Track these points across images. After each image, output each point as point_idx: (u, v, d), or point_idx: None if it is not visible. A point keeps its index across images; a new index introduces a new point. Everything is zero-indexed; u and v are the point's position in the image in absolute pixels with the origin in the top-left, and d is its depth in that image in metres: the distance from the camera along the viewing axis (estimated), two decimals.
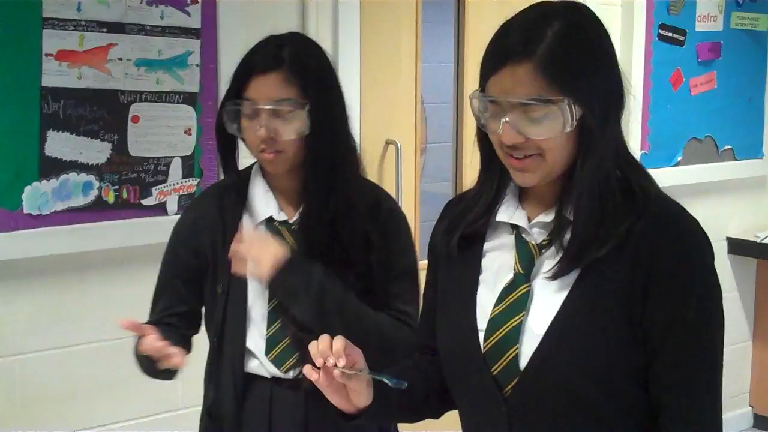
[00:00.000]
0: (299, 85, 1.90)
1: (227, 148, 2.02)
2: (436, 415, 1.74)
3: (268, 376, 1.99)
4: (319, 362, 1.51)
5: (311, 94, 1.90)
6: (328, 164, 1.94)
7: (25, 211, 2.60)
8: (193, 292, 2.05)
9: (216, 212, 2.03)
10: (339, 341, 1.52)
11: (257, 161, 2.02)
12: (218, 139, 2.01)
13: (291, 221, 1.99)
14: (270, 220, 1.99)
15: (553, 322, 1.48)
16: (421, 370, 1.71)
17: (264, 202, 2.00)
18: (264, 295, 1.97)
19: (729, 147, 4.30)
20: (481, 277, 1.60)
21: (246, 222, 2.00)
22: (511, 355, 1.50)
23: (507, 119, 1.44)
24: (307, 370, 1.53)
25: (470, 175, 1.67)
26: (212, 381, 2.05)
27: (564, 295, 1.48)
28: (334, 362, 1.50)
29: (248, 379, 2.01)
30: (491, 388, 1.53)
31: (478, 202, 1.60)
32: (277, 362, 1.97)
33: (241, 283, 1.99)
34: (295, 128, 1.90)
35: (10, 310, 2.66)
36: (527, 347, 1.49)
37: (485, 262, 1.61)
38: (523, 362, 1.49)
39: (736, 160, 4.33)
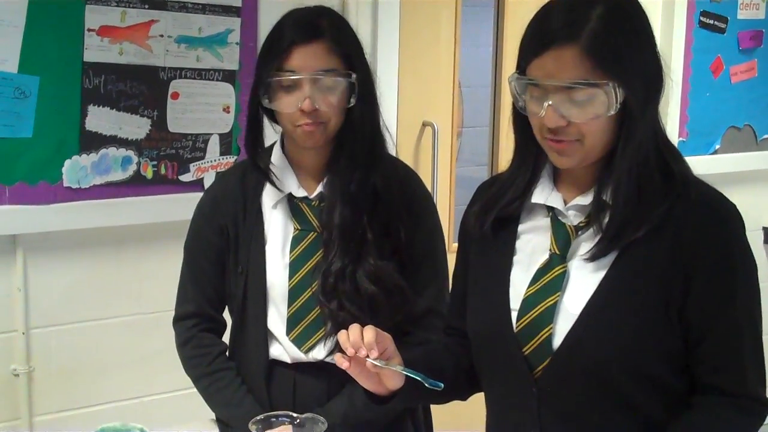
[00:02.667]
0: (341, 55, 1.87)
1: (257, 126, 1.98)
2: (464, 397, 1.75)
3: (290, 362, 1.98)
4: (350, 353, 1.51)
5: (355, 64, 1.89)
6: (369, 138, 1.94)
7: (64, 185, 2.62)
8: (220, 272, 2.04)
9: (237, 189, 2.02)
10: (370, 332, 1.52)
11: (283, 137, 2.00)
12: (251, 115, 1.97)
13: (311, 197, 1.97)
14: (290, 198, 1.98)
15: (588, 302, 1.48)
16: (451, 352, 1.72)
17: (284, 178, 1.98)
18: (284, 274, 1.97)
19: None
20: (515, 258, 1.60)
21: (266, 199, 2.00)
22: (545, 335, 1.50)
23: (550, 102, 1.44)
24: (338, 359, 1.54)
25: (506, 160, 1.67)
26: (238, 363, 2.05)
27: (601, 276, 1.48)
28: (366, 354, 1.51)
29: (270, 365, 2.00)
30: (522, 368, 1.53)
31: (513, 184, 1.61)
32: (298, 341, 1.96)
33: (261, 262, 1.98)
34: (339, 99, 1.87)
35: (47, 281, 2.69)
36: (561, 327, 1.49)
37: (519, 244, 1.61)
38: (557, 342, 1.49)
39: None
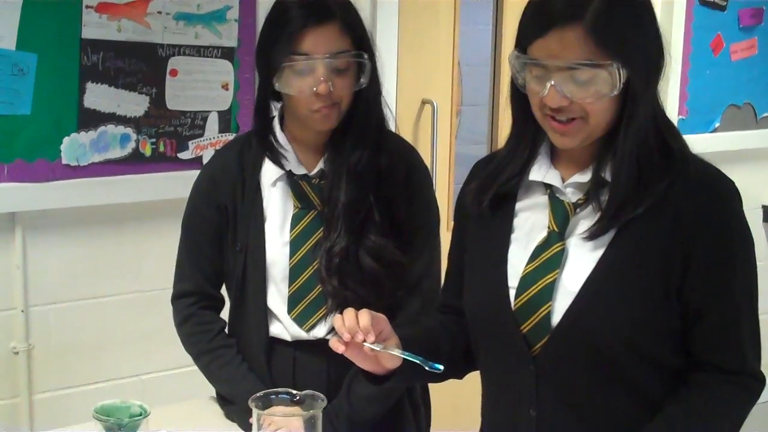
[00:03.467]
0: (352, 36, 1.86)
1: (266, 110, 1.97)
2: (460, 375, 1.75)
3: (290, 340, 1.98)
4: (346, 338, 1.51)
5: (365, 44, 1.88)
6: (378, 117, 1.93)
7: (63, 162, 2.61)
8: (218, 250, 2.03)
9: (236, 166, 2.00)
10: (365, 315, 1.52)
11: (282, 114, 1.99)
12: (260, 100, 1.96)
13: (311, 174, 1.96)
14: (289, 175, 1.97)
15: (588, 279, 1.48)
16: (447, 330, 1.72)
17: (283, 155, 1.97)
18: (284, 252, 1.96)
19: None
20: (512, 236, 1.60)
21: (264, 176, 1.99)
22: (543, 313, 1.50)
23: (553, 82, 1.44)
24: (334, 344, 1.53)
25: (505, 138, 1.67)
26: (238, 341, 2.05)
27: (600, 253, 1.48)
28: (363, 338, 1.50)
29: (270, 343, 2.00)
30: (520, 346, 1.53)
31: (511, 162, 1.60)
32: (299, 320, 1.96)
33: (260, 240, 1.97)
34: (351, 80, 1.87)
35: (46, 259, 2.68)
36: (560, 304, 1.49)
37: (517, 222, 1.61)
38: (555, 319, 1.49)
39: None
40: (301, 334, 1.97)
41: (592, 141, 1.50)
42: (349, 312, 1.53)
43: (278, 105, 2.00)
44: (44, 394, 2.73)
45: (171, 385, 2.83)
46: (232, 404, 2.02)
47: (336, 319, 1.53)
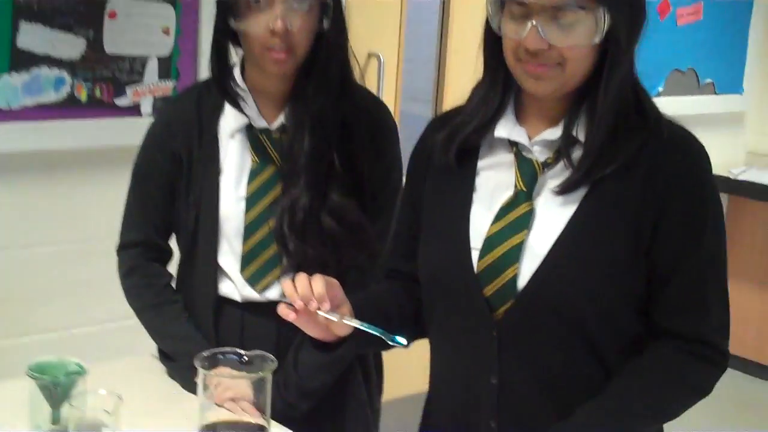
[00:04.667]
0: None
1: (223, 47, 1.85)
2: (407, 344, 1.69)
3: (240, 300, 1.90)
4: (299, 305, 1.44)
5: None
6: (340, 64, 1.85)
7: None
8: (170, 200, 1.94)
9: (193, 114, 1.91)
10: (319, 281, 1.45)
11: (243, 62, 1.90)
12: (216, 34, 1.84)
13: (272, 128, 1.88)
14: (249, 128, 1.88)
15: (556, 241, 1.43)
16: (395, 297, 1.65)
17: (243, 106, 1.87)
18: (239, 207, 1.88)
19: (710, 81, 4.26)
20: (474, 196, 1.54)
21: (223, 127, 1.90)
22: (509, 276, 1.45)
23: (534, 22, 1.37)
24: (283, 311, 1.46)
25: (451, 99, 1.60)
26: (184, 297, 1.97)
27: (569, 213, 1.43)
28: (315, 306, 1.44)
29: (218, 303, 1.92)
30: (482, 311, 1.48)
31: (479, 112, 1.53)
32: (252, 280, 1.88)
33: (214, 194, 1.89)
34: (311, 21, 1.77)
35: None
36: (527, 267, 1.44)
37: (480, 180, 1.55)
38: (521, 282, 1.44)
39: (716, 94, 4.29)
40: (253, 295, 1.89)
41: (566, 91, 1.44)
42: (302, 277, 1.46)
43: (240, 53, 1.90)
44: None
45: (107, 340, 2.73)
46: (175, 362, 1.93)
47: (286, 285, 1.46)
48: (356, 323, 1.46)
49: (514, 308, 1.45)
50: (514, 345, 1.46)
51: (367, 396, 1.99)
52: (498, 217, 1.49)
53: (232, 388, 1.68)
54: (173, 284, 2.00)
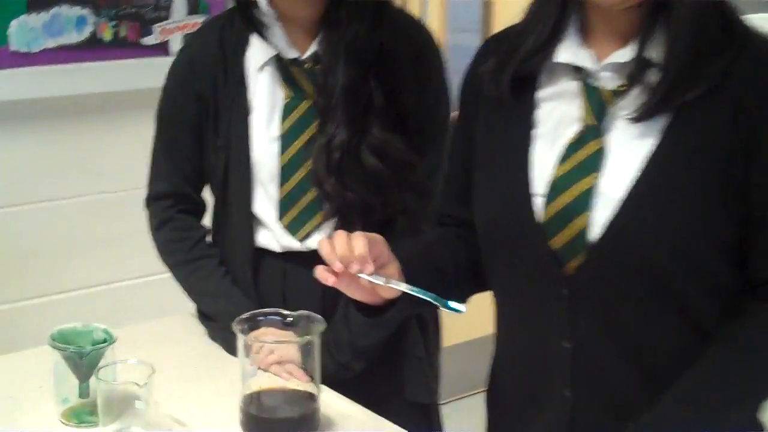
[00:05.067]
0: None
1: None
2: (464, 299, 1.52)
3: (280, 251, 1.75)
4: (338, 268, 1.28)
5: None
6: None
7: (11, 49, 2.37)
8: (198, 145, 1.80)
9: (216, 50, 1.76)
10: (360, 240, 1.29)
11: None
12: None
13: (303, 58, 1.71)
14: (278, 59, 1.72)
15: (633, 184, 1.24)
16: (449, 247, 1.48)
17: (270, 35, 1.71)
18: (273, 149, 1.72)
19: None
20: (535, 132, 1.35)
21: (249, 61, 1.74)
22: (579, 225, 1.27)
23: None
24: (321, 274, 1.30)
25: (501, 27, 1.42)
26: (221, 250, 1.83)
27: (647, 149, 1.24)
28: (357, 269, 1.28)
29: (257, 255, 1.77)
30: (550, 266, 1.30)
31: (533, 32, 1.34)
32: (291, 228, 1.73)
33: (244, 135, 1.73)
34: None
35: None
36: (599, 214, 1.26)
37: (540, 114, 1.36)
38: (594, 233, 1.26)
39: None
40: (293, 244, 1.74)
41: (633, 3, 1.24)
42: (340, 236, 1.30)
43: None
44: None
45: (144, 295, 2.62)
46: (215, 322, 1.80)
47: (323, 245, 1.30)
48: (404, 287, 1.30)
49: (587, 263, 1.27)
50: (589, 304, 1.29)
51: (425, 352, 1.84)
52: (564, 158, 1.30)
53: (276, 350, 1.55)
54: (209, 238, 1.85)
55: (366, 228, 1.71)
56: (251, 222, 1.76)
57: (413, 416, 1.82)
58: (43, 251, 2.57)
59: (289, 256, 1.74)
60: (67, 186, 2.57)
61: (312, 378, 1.49)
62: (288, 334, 1.53)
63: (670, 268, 1.23)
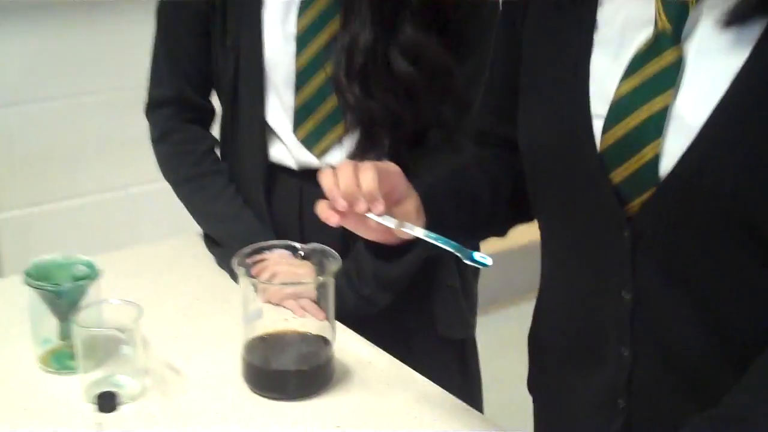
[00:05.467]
0: None
1: None
2: (503, 232, 1.29)
3: (296, 168, 1.55)
4: (341, 207, 1.06)
5: None
6: None
7: None
8: (204, 45, 1.58)
9: None
10: (369, 173, 1.06)
11: None
12: None
13: None
14: None
15: (718, 106, 0.98)
16: (486, 170, 1.25)
17: None
18: (288, 49, 1.50)
19: None
20: (596, 37, 1.09)
21: None
22: (647, 156, 1.02)
23: None
24: (323, 212, 1.08)
25: None
26: (230, 166, 1.61)
27: (737, 64, 0.98)
28: (366, 208, 1.05)
29: (270, 171, 1.57)
30: (610, 202, 1.06)
31: None
32: (308, 142, 1.52)
33: (256, 33, 1.51)
34: None
35: (5, 53, 2.29)
36: (674, 143, 1.00)
37: (603, 15, 1.10)
38: (666, 165, 1.01)
39: None
40: (311, 160, 1.53)
41: None
42: (345, 167, 1.07)
43: None
44: (9, 212, 2.39)
45: (165, 199, 2.42)
46: (223, 248, 1.60)
47: (324, 177, 1.08)
48: (420, 232, 1.07)
49: (656, 201, 1.02)
50: (655, 249, 1.04)
51: (460, 282, 1.62)
52: (631, 70, 1.04)
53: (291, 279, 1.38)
54: (217, 151, 1.64)
55: (394, 143, 1.50)
56: (264, 133, 1.55)
57: (446, 353, 1.64)
58: (56, 153, 2.42)
59: (306, 174, 1.53)
60: (82, 82, 2.42)
61: (327, 318, 1.29)
62: (302, 264, 1.35)
63: (759, 211, 0.98)
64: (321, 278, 1.27)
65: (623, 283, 1.07)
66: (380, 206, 1.05)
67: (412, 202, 1.12)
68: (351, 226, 1.10)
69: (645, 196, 1.03)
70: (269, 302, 1.36)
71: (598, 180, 1.06)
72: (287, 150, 1.54)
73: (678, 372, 1.08)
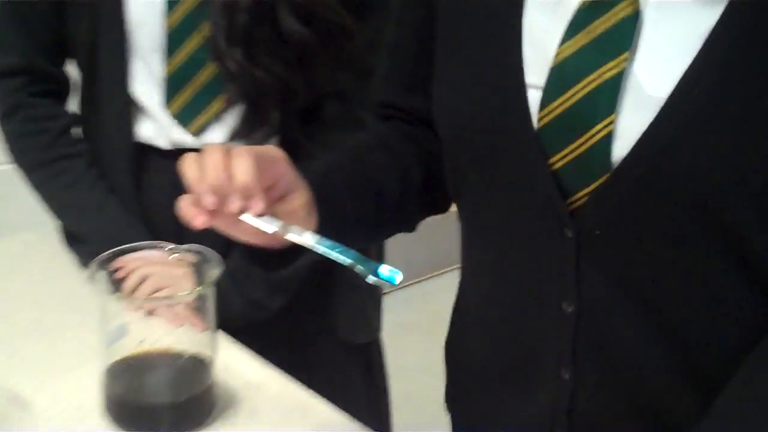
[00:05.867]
0: None
1: None
2: (411, 227, 1.08)
3: (169, 147, 1.32)
4: (208, 203, 0.83)
5: None
6: None
7: None
8: (57, 5, 1.32)
9: None
10: (244, 162, 0.83)
11: None
12: None
13: None
14: None
15: (686, 74, 0.78)
16: (392, 153, 1.03)
17: None
18: (156, 8, 1.27)
19: None
20: None
21: None
22: (598, 136, 0.82)
23: None
24: (186, 210, 0.85)
25: None
26: (91, 147, 1.37)
27: (709, 21, 0.78)
28: (241, 207, 0.83)
29: (139, 153, 1.33)
30: (548, 194, 0.86)
31: None
32: (183, 117, 1.29)
33: None
34: None
35: None
36: (631, 120, 0.81)
37: None
38: (621, 148, 0.81)
39: None
40: (186, 139, 1.31)
41: None
42: (213, 153, 0.84)
43: None
44: None
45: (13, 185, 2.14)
46: (84, 244, 1.36)
47: (186, 165, 0.85)
48: (310, 240, 0.84)
49: (607, 192, 0.82)
50: (606, 253, 0.85)
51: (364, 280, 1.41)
52: (574, 29, 0.84)
53: (159, 281, 1.17)
54: (76, 129, 1.40)
55: (285, 118, 1.28)
56: (129, 108, 1.31)
57: (348, 358, 1.43)
58: None
59: (181, 156, 1.29)
60: None
61: (210, 328, 1.07)
62: (178, 263, 1.12)
63: (735, 206, 0.78)
64: (198, 289, 1.04)
65: (565, 293, 0.87)
66: (258, 204, 0.83)
67: (300, 197, 0.89)
68: (223, 227, 0.87)
69: (593, 186, 0.83)
70: (137, 311, 1.13)
71: (534, 166, 0.85)
72: (158, 127, 1.31)
73: (629, 399, 0.89)
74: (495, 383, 1.00)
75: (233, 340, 1.19)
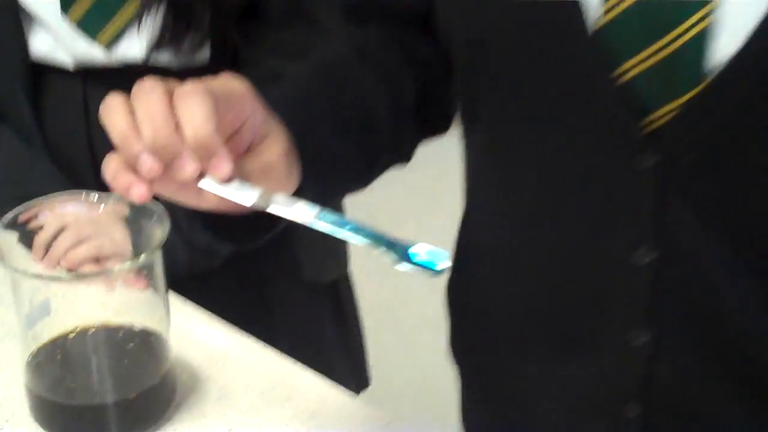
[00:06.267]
0: None
1: None
2: (408, 156, 0.84)
3: (72, 67, 1.06)
4: (148, 170, 0.59)
5: None
6: None
7: None
8: None
9: None
10: (197, 106, 0.58)
11: None
12: None
13: None
14: None
15: None
16: (373, 65, 0.78)
17: None
18: None
19: None
20: None
21: None
22: (689, 34, 0.60)
23: None
24: (115, 177, 0.60)
25: None
26: None
27: None
28: (194, 171, 0.59)
29: (36, 74, 1.07)
30: (617, 113, 0.64)
31: None
32: (87, 26, 1.02)
33: None
34: None
35: None
36: (737, 7, 0.59)
37: None
38: (722, 50, 0.60)
39: None
40: (95, 54, 1.03)
41: None
42: (151, 92, 0.59)
43: None
44: None
45: None
46: None
47: (111, 114, 0.60)
48: (305, 216, 0.60)
49: (700, 110, 0.62)
50: (698, 186, 0.64)
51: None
52: None
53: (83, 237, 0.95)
54: None
55: (217, 17, 1.03)
56: (17, 17, 1.04)
57: (314, 298, 1.22)
58: None
59: (91, 75, 1.04)
60: None
61: (156, 288, 0.84)
62: (107, 213, 0.87)
63: None
64: (143, 256, 0.80)
65: (641, 238, 0.67)
66: (223, 167, 0.59)
67: (276, 145, 0.65)
68: (172, 195, 0.63)
69: (680, 101, 0.62)
70: (57, 269, 0.91)
71: (594, 75, 0.64)
72: (58, 40, 1.04)
73: (724, 367, 0.70)
74: (534, 343, 0.80)
75: (182, 298, 0.97)
